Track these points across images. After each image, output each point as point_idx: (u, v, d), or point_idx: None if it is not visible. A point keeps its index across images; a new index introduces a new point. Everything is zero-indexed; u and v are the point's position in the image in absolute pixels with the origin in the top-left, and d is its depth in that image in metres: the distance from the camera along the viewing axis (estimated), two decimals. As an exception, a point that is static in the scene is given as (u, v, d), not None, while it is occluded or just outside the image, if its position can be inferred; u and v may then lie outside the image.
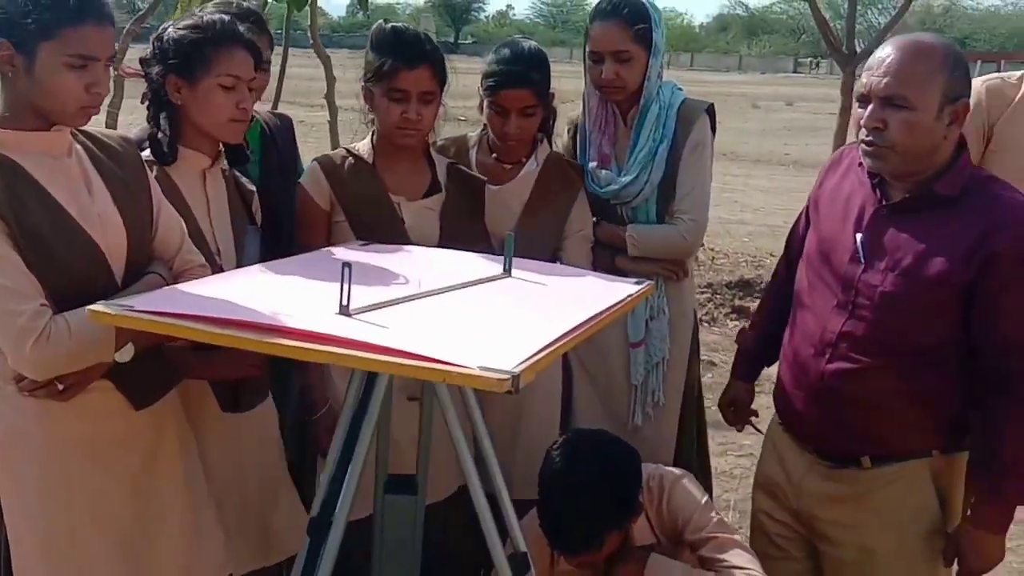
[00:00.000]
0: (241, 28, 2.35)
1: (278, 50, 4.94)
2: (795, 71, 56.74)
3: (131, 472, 2.13)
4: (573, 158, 3.02)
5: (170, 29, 2.33)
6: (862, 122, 2.19)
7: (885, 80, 2.12)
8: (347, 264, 1.77)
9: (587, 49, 2.87)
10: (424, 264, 2.29)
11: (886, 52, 2.15)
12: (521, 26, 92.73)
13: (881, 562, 2.35)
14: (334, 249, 2.37)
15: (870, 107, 2.15)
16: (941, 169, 2.19)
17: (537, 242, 2.73)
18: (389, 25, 2.60)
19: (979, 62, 16.20)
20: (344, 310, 1.75)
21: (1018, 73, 2.98)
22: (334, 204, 2.61)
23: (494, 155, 2.89)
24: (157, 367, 2.13)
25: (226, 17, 2.34)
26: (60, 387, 1.98)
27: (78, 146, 2.09)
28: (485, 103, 2.80)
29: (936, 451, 2.31)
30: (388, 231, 2.55)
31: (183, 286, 1.97)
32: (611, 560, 2.48)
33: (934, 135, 2.14)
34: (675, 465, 2.84)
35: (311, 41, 6.33)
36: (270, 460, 2.51)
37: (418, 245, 2.52)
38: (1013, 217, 2.14)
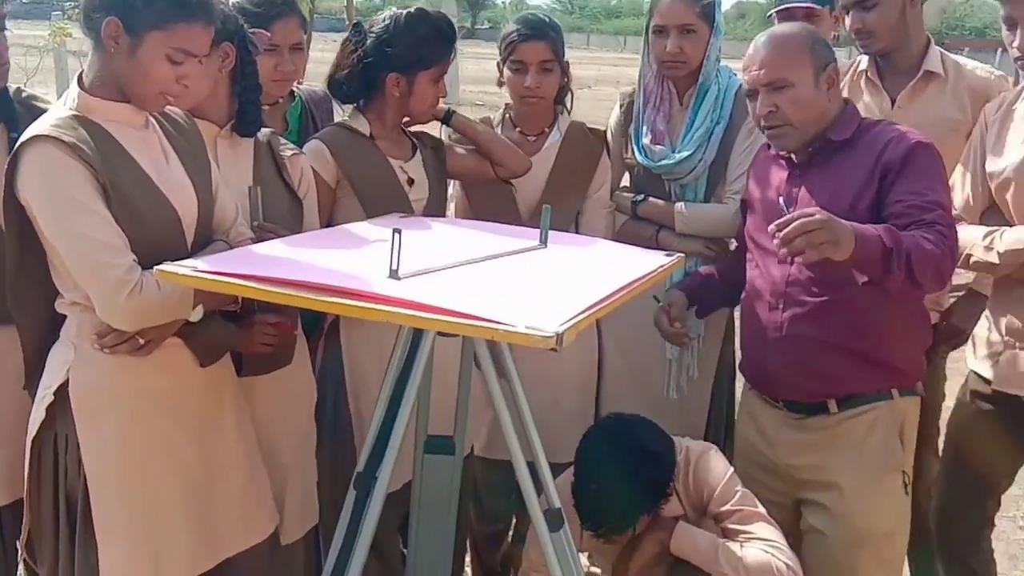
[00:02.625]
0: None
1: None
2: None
3: (198, 423, 2.26)
4: (624, 133, 3.10)
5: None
6: (756, 113, 2.49)
7: (763, 71, 2.43)
8: (397, 230, 1.88)
9: (651, 24, 2.95)
10: (464, 236, 2.39)
11: (755, 49, 2.46)
12: (537, 11, 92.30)
13: (848, 498, 2.49)
14: (375, 221, 2.47)
15: (759, 98, 2.45)
16: (832, 122, 2.48)
17: (564, 210, 2.88)
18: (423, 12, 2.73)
19: (999, 50, 16.14)
20: (394, 274, 1.85)
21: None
22: (340, 180, 2.70)
23: (518, 129, 3.01)
24: (218, 329, 2.26)
25: None
26: (141, 342, 2.11)
27: (152, 120, 2.21)
28: (505, 70, 2.93)
29: (896, 391, 2.50)
30: (393, 197, 2.68)
31: (244, 249, 2.10)
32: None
33: (819, 102, 2.45)
34: (705, 438, 2.94)
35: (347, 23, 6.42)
36: (283, 435, 2.57)
37: (420, 200, 2.73)
38: (899, 135, 2.42)
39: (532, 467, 2.12)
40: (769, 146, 2.63)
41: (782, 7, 3.61)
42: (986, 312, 2.75)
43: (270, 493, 2.45)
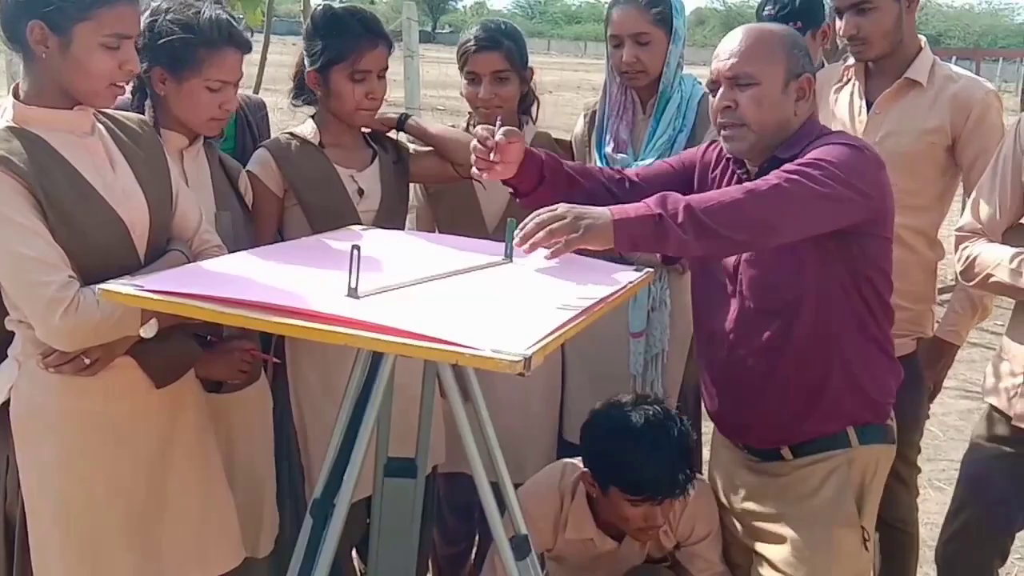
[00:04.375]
0: (236, 31, 2.33)
1: (258, 36, 4.91)
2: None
3: (148, 450, 2.15)
4: (588, 143, 3.04)
5: (161, 19, 2.29)
6: (713, 107, 2.27)
7: (731, 61, 2.22)
8: (356, 246, 1.78)
9: (607, 33, 2.90)
10: (426, 250, 2.30)
11: (729, 38, 2.27)
12: (497, 16, 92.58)
13: (797, 555, 2.30)
14: (332, 234, 2.38)
15: (720, 90, 2.24)
16: (788, 138, 2.25)
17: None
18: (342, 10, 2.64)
19: (954, 58, 16.34)
20: (353, 292, 1.76)
21: None
22: (287, 190, 2.63)
23: None
24: (178, 346, 2.16)
25: (221, 15, 2.31)
26: (87, 361, 2.00)
27: (100, 126, 2.11)
28: (462, 80, 2.86)
29: (856, 438, 2.30)
30: (339, 208, 2.60)
31: (193, 266, 1.99)
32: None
33: (782, 109, 2.22)
34: None
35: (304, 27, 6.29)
36: (258, 448, 2.52)
37: (369, 212, 2.64)
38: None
39: (496, 489, 2.04)
40: (725, 160, 2.38)
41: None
42: (1006, 338, 2.59)
43: (235, 524, 2.34)
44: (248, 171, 2.63)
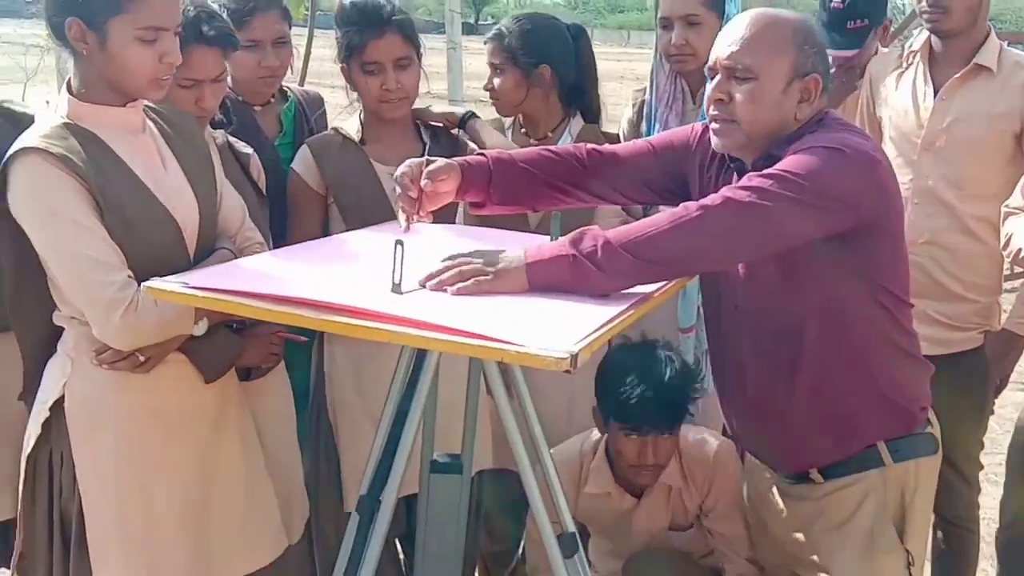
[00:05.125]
0: (207, 28, 2.23)
1: (302, 30, 4.90)
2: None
3: (199, 443, 2.16)
4: (636, 133, 2.98)
5: None
6: (706, 96, 2.08)
7: (731, 49, 2.01)
8: (399, 242, 1.77)
9: (656, 16, 2.84)
10: (470, 246, 2.27)
11: (735, 23, 2.07)
12: (541, 7, 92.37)
13: None
14: (376, 228, 2.36)
15: (715, 79, 2.05)
16: (787, 136, 2.03)
17: (575, 217, 2.70)
18: (349, 1, 2.60)
19: (1007, 42, 16.02)
20: (396, 288, 1.75)
21: None
22: (328, 187, 2.61)
23: (524, 131, 2.90)
24: (225, 342, 2.16)
25: (192, 12, 2.21)
26: (142, 359, 2.01)
27: (150, 122, 2.11)
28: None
29: (888, 455, 2.11)
30: (372, 206, 2.54)
31: (237, 263, 1.99)
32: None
33: (780, 109, 2.01)
34: None
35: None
36: (283, 433, 2.51)
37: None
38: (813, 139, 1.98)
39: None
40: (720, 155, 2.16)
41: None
42: None
43: (277, 514, 2.34)
44: (291, 168, 2.62)
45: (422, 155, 2.63)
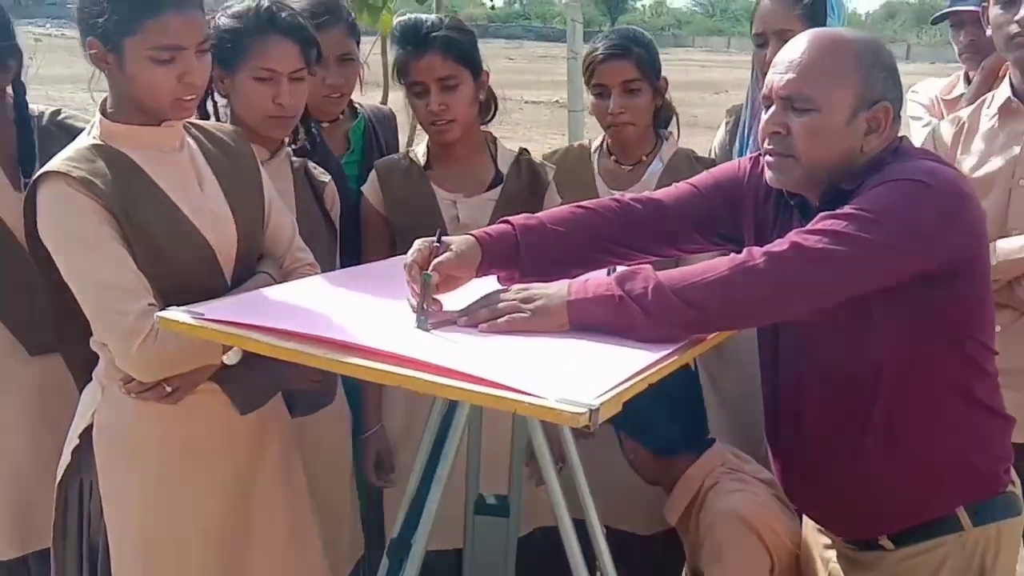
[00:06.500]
0: (284, 15, 2.21)
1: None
2: (968, 60, 53.82)
3: (232, 478, 2.07)
4: (729, 152, 2.81)
5: (219, 16, 2.20)
6: (761, 127, 1.88)
7: (787, 77, 1.81)
8: (427, 274, 1.66)
9: (751, 32, 2.68)
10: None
11: (792, 46, 1.85)
12: (678, 15, 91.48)
13: None
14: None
15: (771, 110, 1.85)
16: (854, 170, 1.83)
17: None
18: (400, 19, 2.49)
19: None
20: (422, 324, 1.65)
21: None
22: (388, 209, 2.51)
23: (613, 157, 2.73)
24: (263, 371, 2.02)
25: (266, 4, 2.20)
26: (168, 389, 1.93)
27: (190, 140, 2.04)
28: (589, 96, 2.65)
29: (967, 516, 1.89)
30: (428, 235, 2.40)
31: (262, 292, 1.90)
32: None
33: (844, 143, 1.81)
34: None
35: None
36: (335, 471, 2.42)
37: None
38: (899, 171, 1.77)
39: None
40: (776, 192, 1.96)
41: (951, 9, 3.23)
42: None
43: (320, 552, 2.24)
44: (362, 190, 2.54)
45: (494, 180, 2.53)
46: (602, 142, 2.77)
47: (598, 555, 1.90)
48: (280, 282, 2.03)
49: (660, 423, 2.36)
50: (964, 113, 2.64)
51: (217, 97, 2.33)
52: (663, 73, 2.66)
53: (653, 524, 2.60)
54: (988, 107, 2.57)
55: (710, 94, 18.26)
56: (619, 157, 2.72)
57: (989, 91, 2.69)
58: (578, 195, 2.45)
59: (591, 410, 1.35)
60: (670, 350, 1.60)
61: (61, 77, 9.23)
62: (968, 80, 3.12)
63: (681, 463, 2.39)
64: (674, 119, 2.80)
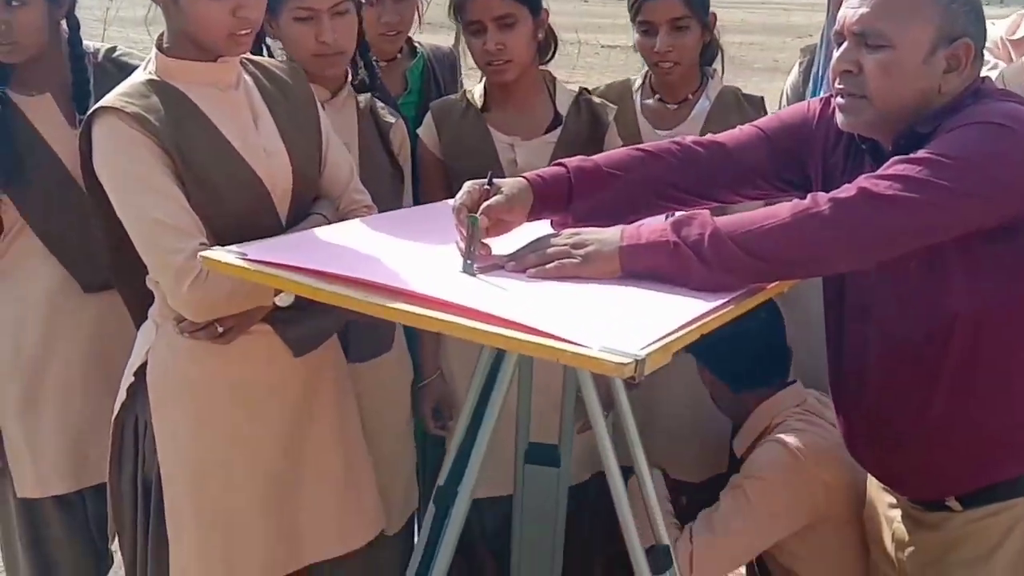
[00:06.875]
0: None
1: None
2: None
3: (285, 420, 2.06)
4: (802, 93, 2.68)
5: None
6: (832, 66, 1.77)
7: (861, 11, 1.69)
8: (473, 216, 1.61)
9: None
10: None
11: None
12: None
13: None
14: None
15: (843, 47, 1.73)
16: (932, 112, 1.71)
17: None
18: None
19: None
20: (468, 268, 1.60)
21: None
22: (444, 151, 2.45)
23: (657, 96, 2.61)
24: (318, 313, 2.01)
25: None
26: (220, 329, 1.92)
27: (247, 77, 2.01)
28: (636, 33, 2.52)
29: None
30: (480, 178, 2.34)
31: (311, 232, 1.86)
32: None
33: (921, 82, 1.69)
34: None
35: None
36: (392, 420, 2.39)
37: None
38: (983, 111, 1.67)
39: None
40: (847, 136, 1.86)
41: None
42: None
43: (375, 496, 2.23)
44: (418, 132, 2.48)
45: (553, 121, 2.46)
46: (645, 79, 2.65)
47: (647, 502, 1.85)
48: (334, 223, 1.99)
49: (737, 358, 2.33)
50: None
51: (271, 41, 2.30)
52: (722, 9, 2.52)
53: (704, 471, 2.56)
54: None
55: (793, 38, 17.74)
56: (663, 96, 2.60)
57: None
58: (620, 135, 2.44)
59: (637, 360, 1.29)
60: (725, 299, 1.53)
61: (141, 20, 9.31)
62: None
63: (756, 398, 2.36)
64: (720, 55, 2.66)
